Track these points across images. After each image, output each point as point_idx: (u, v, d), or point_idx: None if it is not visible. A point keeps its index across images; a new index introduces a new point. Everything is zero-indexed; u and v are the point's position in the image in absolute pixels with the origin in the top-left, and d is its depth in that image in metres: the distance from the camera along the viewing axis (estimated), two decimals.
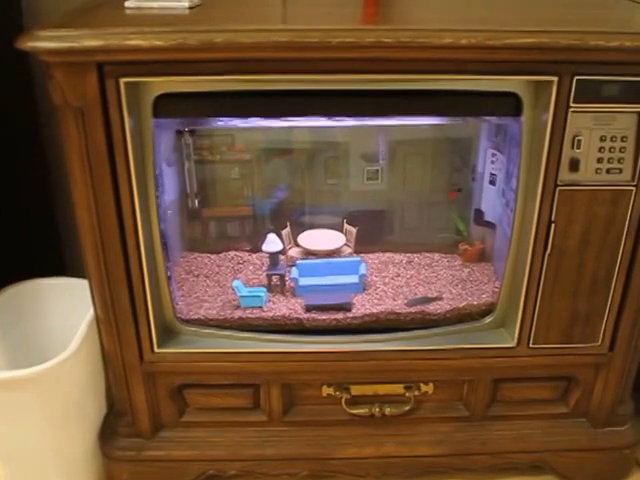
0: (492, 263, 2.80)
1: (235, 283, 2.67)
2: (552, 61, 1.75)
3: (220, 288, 2.77)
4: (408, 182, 2.93)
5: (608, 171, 1.91)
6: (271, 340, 2.29)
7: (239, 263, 2.97)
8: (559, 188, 1.96)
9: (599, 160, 1.91)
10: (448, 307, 2.42)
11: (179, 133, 2.67)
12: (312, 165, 2.90)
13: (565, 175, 1.94)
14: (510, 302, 2.21)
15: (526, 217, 2.06)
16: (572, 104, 1.84)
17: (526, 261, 2.08)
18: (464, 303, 2.44)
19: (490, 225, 2.77)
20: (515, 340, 2.24)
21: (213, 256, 2.96)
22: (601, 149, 1.89)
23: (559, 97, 1.82)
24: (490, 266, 2.80)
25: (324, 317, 2.40)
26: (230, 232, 3.03)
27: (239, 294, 2.64)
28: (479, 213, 2.83)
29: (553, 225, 2.00)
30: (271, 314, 2.43)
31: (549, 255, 2.05)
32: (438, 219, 2.97)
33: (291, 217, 2.95)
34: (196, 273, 2.88)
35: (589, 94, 1.82)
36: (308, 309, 2.42)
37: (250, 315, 2.43)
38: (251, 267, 2.91)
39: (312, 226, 2.95)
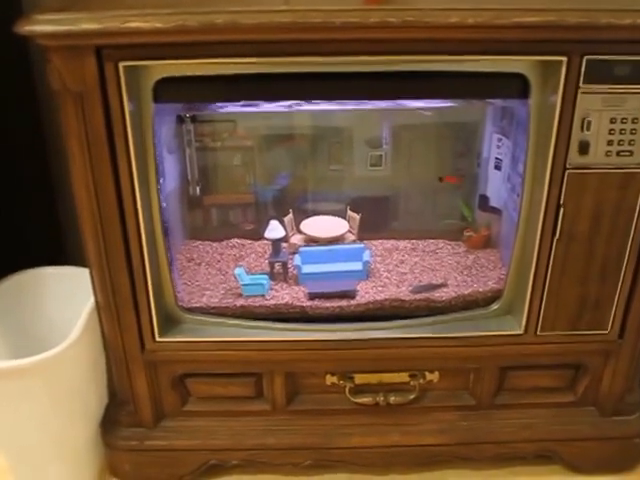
0: (498, 249, 2.76)
1: (237, 271, 2.63)
2: (561, 40, 1.70)
3: (222, 276, 2.73)
4: (412, 168, 2.89)
5: (618, 154, 1.87)
6: (274, 328, 2.25)
7: (241, 251, 2.93)
8: (568, 171, 1.92)
9: (609, 142, 1.86)
10: (453, 294, 2.39)
11: (180, 119, 2.62)
12: (315, 151, 2.86)
13: (574, 158, 1.90)
14: (517, 289, 2.17)
15: (534, 202, 2.01)
16: (582, 85, 1.79)
17: (534, 247, 2.04)
18: (470, 290, 2.41)
19: (496, 211, 2.73)
20: (522, 327, 2.20)
21: (215, 244, 2.92)
22: (611, 131, 1.84)
23: (568, 78, 1.77)
24: (496, 252, 2.76)
25: (327, 305, 2.36)
26: (232, 219, 3.00)
27: (241, 282, 2.60)
28: (484, 199, 2.79)
29: (562, 209, 1.96)
30: (274, 302, 2.39)
31: (557, 240, 2.01)
32: (443, 205, 2.92)
33: (294, 204, 2.90)
34: (198, 261, 2.84)
35: (599, 74, 1.77)
36: (311, 297, 2.39)
37: (252, 303, 2.39)
38: (253, 255, 2.87)
39: (315, 213, 2.91)
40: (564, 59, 1.74)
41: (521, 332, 2.21)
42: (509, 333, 2.23)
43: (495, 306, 2.27)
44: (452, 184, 2.92)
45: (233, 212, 3.00)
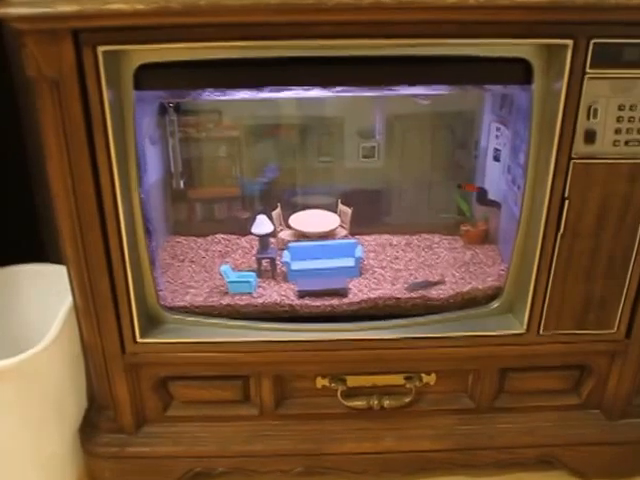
0: (496, 245, 2.72)
1: (223, 268, 2.56)
2: (567, 22, 1.65)
3: (207, 273, 2.67)
4: (406, 159, 2.83)
5: (627, 143, 1.81)
6: (261, 328, 2.20)
7: (227, 247, 2.87)
8: (573, 162, 1.86)
9: (617, 131, 1.80)
10: (451, 292, 2.34)
11: (163, 108, 2.56)
12: (304, 142, 2.80)
13: (580, 148, 1.84)
14: (519, 286, 2.13)
15: (537, 195, 1.96)
16: (588, 70, 1.73)
17: (537, 242, 1.99)
18: (468, 287, 2.36)
19: (494, 204, 2.67)
20: (524, 326, 2.15)
21: (200, 239, 2.87)
22: (619, 119, 1.78)
23: (574, 62, 1.71)
24: (494, 248, 2.72)
25: (318, 303, 2.31)
26: (217, 214, 2.94)
27: (227, 279, 2.54)
28: (482, 191, 2.73)
29: (567, 202, 1.90)
30: (261, 300, 2.34)
31: (562, 235, 1.96)
32: (438, 198, 2.88)
33: (282, 197, 2.86)
34: (181, 258, 2.78)
35: (607, 59, 1.70)
36: (301, 295, 2.35)
37: (239, 302, 2.34)
38: (240, 251, 2.82)
39: (304, 207, 2.86)
40: (570, 42, 1.68)
41: (523, 331, 2.16)
42: (510, 333, 2.18)
43: (495, 304, 2.22)
44: (448, 176, 2.87)
45: (218, 206, 2.94)
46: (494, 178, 2.62)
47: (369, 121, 2.74)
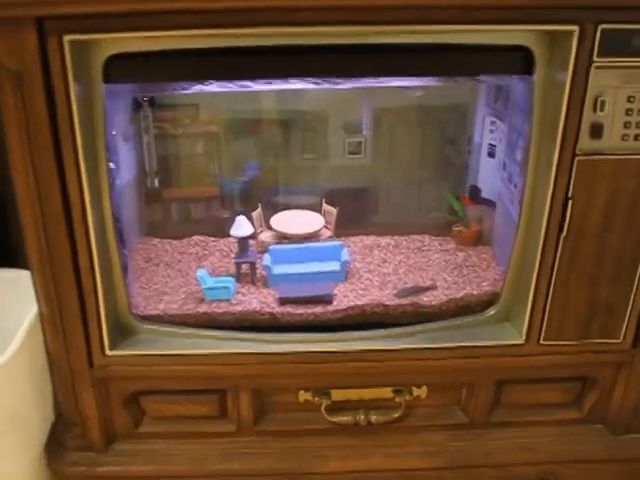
0: (491, 246, 2.64)
1: (199, 273, 2.45)
2: (572, 7, 1.57)
3: (183, 278, 2.56)
4: (395, 156, 2.74)
5: (637, 137, 1.72)
6: (240, 339, 2.13)
7: (204, 249, 2.76)
8: (578, 158, 1.77)
9: (626, 125, 1.71)
10: (443, 298, 2.27)
11: (136, 103, 2.46)
12: (287, 138, 2.72)
13: (585, 143, 1.75)
14: (517, 291, 2.05)
15: (537, 193, 1.88)
16: (596, 58, 1.64)
17: (537, 244, 1.91)
18: (462, 293, 2.29)
19: (489, 203, 2.59)
20: (523, 336, 2.07)
21: (175, 242, 2.77)
22: (628, 111, 1.70)
23: (580, 50, 1.63)
24: (488, 249, 2.64)
25: (301, 311, 2.23)
26: (194, 215, 2.86)
27: (204, 285, 2.43)
28: (476, 190, 2.65)
29: (570, 202, 1.82)
30: (240, 308, 2.26)
31: (565, 237, 1.88)
32: (429, 197, 2.79)
33: (263, 197, 2.77)
34: (156, 261, 2.67)
35: (616, 46, 1.62)
36: (282, 302, 2.27)
37: (216, 309, 2.26)
38: (218, 254, 2.72)
39: (287, 207, 2.77)
40: (575, 29, 1.60)
41: (522, 341, 2.08)
42: (508, 343, 2.10)
43: (491, 312, 2.15)
44: (438, 174, 2.80)
45: (195, 206, 2.85)
46: (488, 175, 2.55)
47: (355, 115, 2.66)
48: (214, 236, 2.76)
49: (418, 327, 2.15)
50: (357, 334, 2.13)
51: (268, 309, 2.34)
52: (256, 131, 2.69)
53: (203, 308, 2.36)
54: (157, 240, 2.77)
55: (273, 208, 2.73)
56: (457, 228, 2.67)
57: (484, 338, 2.11)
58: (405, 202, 2.80)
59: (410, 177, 2.74)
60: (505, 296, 2.11)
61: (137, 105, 2.43)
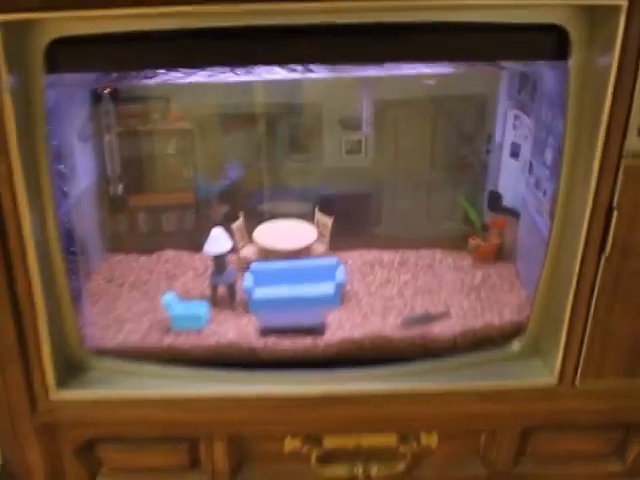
0: (513, 263, 2.48)
1: (166, 298, 2.26)
2: None
3: (149, 302, 2.40)
4: (401, 156, 2.61)
5: None
6: (214, 378, 2.01)
7: (176, 267, 2.61)
8: (625, 161, 1.63)
9: None
10: (458, 328, 2.16)
11: (95, 96, 2.32)
12: (273, 135, 2.58)
13: (634, 142, 1.60)
14: (547, 321, 1.94)
15: (573, 202, 1.76)
16: None
17: (573, 263, 1.78)
18: (480, 322, 2.21)
19: (511, 212, 2.45)
20: (555, 375, 1.94)
21: (143, 258, 2.62)
22: None
23: (629, 29, 1.48)
24: (511, 267, 2.48)
25: (287, 344, 2.11)
26: (166, 226, 2.71)
27: (171, 313, 2.25)
28: (496, 196, 2.52)
29: (615, 213, 1.68)
30: (214, 340, 2.17)
31: (607, 256, 1.74)
32: (440, 205, 2.67)
33: (245, 205, 2.64)
34: (119, 281, 2.51)
35: None
36: (264, 332, 2.18)
37: (185, 342, 2.18)
38: (192, 272, 2.56)
39: (273, 216, 2.63)
40: (623, 3, 1.45)
41: (553, 382, 1.94)
42: (537, 383, 1.96)
43: (516, 345, 2.02)
44: (452, 178, 2.64)
45: (167, 216, 2.70)
46: (511, 180, 2.42)
47: (354, 108, 2.54)
48: (189, 250, 2.62)
49: (428, 364, 2.03)
50: (354, 373, 2.01)
51: (247, 342, 2.18)
52: (237, 128, 2.56)
53: (169, 340, 2.20)
54: (122, 256, 2.62)
55: (257, 218, 2.60)
56: (474, 241, 2.52)
57: (508, 378, 1.98)
58: (413, 210, 2.68)
59: (419, 181, 2.61)
60: (533, 326, 1.98)
61: (96, 99, 2.31)
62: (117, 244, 2.57)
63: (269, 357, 2.14)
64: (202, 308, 2.25)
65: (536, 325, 1.98)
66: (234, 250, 2.43)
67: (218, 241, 2.32)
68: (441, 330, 2.17)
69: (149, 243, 2.59)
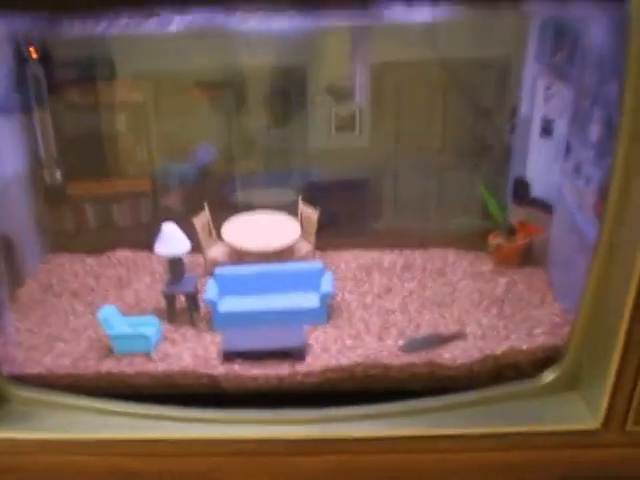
0: (544, 269, 2.28)
1: (103, 313, 2.01)
2: None
3: (91, 315, 2.17)
4: (404, 133, 2.41)
5: None
6: (163, 416, 1.82)
7: (130, 270, 2.39)
8: None
9: None
10: (475, 353, 1.98)
11: (20, 58, 2.10)
12: (247, 108, 2.38)
13: None
14: (592, 346, 1.78)
15: (632, 192, 1.57)
16: None
17: (631, 274, 1.61)
18: (504, 345, 1.98)
19: (542, 205, 2.26)
20: (600, 417, 1.77)
21: (91, 259, 2.41)
22: None
23: None
24: (541, 274, 2.27)
25: (256, 373, 1.93)
26: (117, 220, 2.51)
27: (110, 332, 2.00)
28: (522, 185, 2.32)
29: None
30: (164, 367, 1.95)
31: None
32: (453, 195, 2.50)
33: (213, 194, 2.44)
34: (58, 289, 2.29)
35: None
36: (229, 356, 1.96)
37: (128, 369, 1.95)
38: (148, 278, 2.34)
39: (246, 208, 2.41)
40: None
41: (597, 426, 1.77)
42: (575, 427, 1.78)
43: (549, 377, 1.85)
44: (468, 161, 2.42)
45: (119, 208, 2.50)
46: (542, 164, 2.23)
47: (346, 73, 2.35)
48: (147, 250, 2.39)
49: (436, 400, 1.86)
50: (343, 411, 1.84)
51: (206, 369, 1.94)
52: (201, 99, 2.35)
53: (109, 365, 1.96)
54: (66, 257, 2.43)
55: (227, 209, 2.41)
56: (495, 241, 2.34)
57: (537, 419, 1.81)
58: (419, 202, 2.50)
59: (427, 166, 2.42)
60: (572, 353, 1.82)
61: (21, 61, 2.11)
62: (59, 243, 2.41)
63: (234, 389, 1.96)
64: (151, 326, 2.02)
65: (576, 351, 1.83)
66: (201, 250, 2.29)
67: (171, 240, 2.09)
68: (453, 356, 2.00)
69: (98, 241, 2.44)
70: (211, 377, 1.98)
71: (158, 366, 2.01)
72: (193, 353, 2.04)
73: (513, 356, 2.03)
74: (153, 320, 2.07)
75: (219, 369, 1.99)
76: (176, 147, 2.42)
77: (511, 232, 2.27)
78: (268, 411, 1.90)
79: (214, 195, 2.40)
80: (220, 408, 1.90)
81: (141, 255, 2.44)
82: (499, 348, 2.05)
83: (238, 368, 1.99)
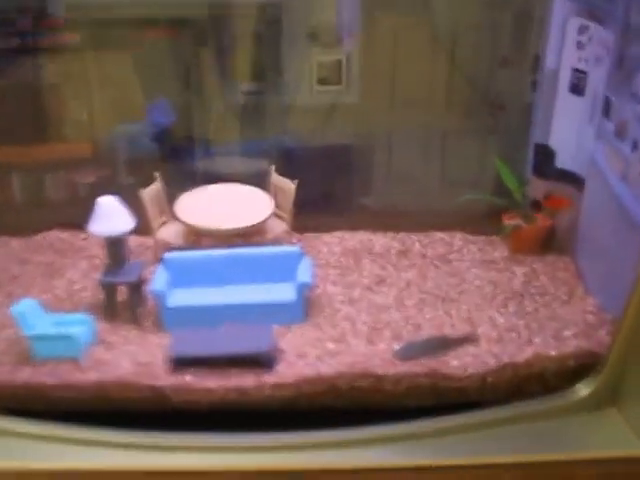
0: (571, 256, 2.13)
1: (20, 307, 1.83)
2: None
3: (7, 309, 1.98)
4: (401, 89, 2.26)
5: None
6: (94, 440, 1.64)
7: (64, 254, 2.22)
8: None
9: None
10: (491, 361, 1.82)
11: None
12: (209, 54, 2.19)
13: None
14: (638, 352, 1.65)
15: None
16: None
17: None
18: (527, 352, 1.84)
19: (570, 178, 2.11)
20: None
21: (16, 242, 2.27)
22: None
23: None
24: (568, 263, 2.11)
25: (213, 385, 1.76)
26: (51, 193, 2.36)
27: (28, 332, 1.83)
28: (545, 153, 2.14)
29: None
30: (96, 377, 1.77)
31: None
32: (461, 166, 2.34)
33: (165, 161, 2.28)
34: None
35: None
36: (178, 364, 1.79)
37: (49, 379, 1.78)
38: (85, 263, 2.16)
39: (207, 179, 2.25)
40: None
41: None
42: (617, 454, 1.64)
43: (583, 390, 1.71)
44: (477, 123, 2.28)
45: (52, 179, 2.34)
46: (570, 127, 2.05)
47: (330, 12, 2.11)
48: (84, 230, 2.17)
49: (442, 422, 1.70)
50: (323, 436, 1.67)
51: (151, 380, 1.77)
52: (152, 43, 2.15)
53: (27, 374, 1.79)
54: None
55: (183, 181, 2.26)
56: (511, 222, 2.17)
57: (569, 442, 1.67)
58: (419, 173, 2.33)
59: (428, 129, 2.27)
60: (614, 362, 1.69)
61: None
62: None
63: (184, 405, 1.77)
64: (81, 325, 1.83)
65: (618, 359, 1.69)
66: (149, 230, 2.12)
67: (109, 216, 1.89)
68: (463, 364, 1.83)
69: (27, 219, 2.31)
70: (156, 390, 1.79)
71: (88, 376, 1.82)
72: (134, 360, 1.86)
73: (538, 365, 1.87)
74: (84, 318, 1.88)
75: (166, 380, 1.81)
76: (123, 104, 2.23)
77: (535, 207, 2.13)
78: (227, 435, 1.71)
79: (169, 164, 2.25)
80: (167, 430, 1.71)
81: (78, 237, 2.28)
82: (520, 355, 1.88)
83: (190, 379, 1.81)
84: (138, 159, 2.27)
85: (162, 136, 2.28)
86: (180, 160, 2.28)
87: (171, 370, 1.80)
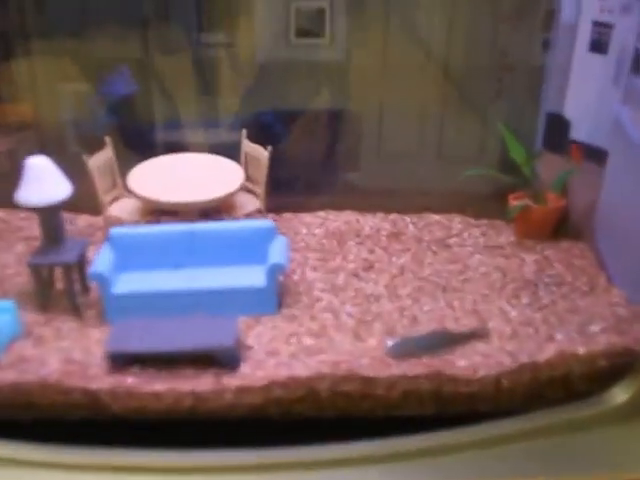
0: (588, 242, 1.92)
1: None
2: None
3: None
4: (393, 44, 2.02)
5: None
6: (10, 460, 1.35)
7: (1, 235, 2.03)
8: None
9: None
10: (506, 361, 1.58)
11: None
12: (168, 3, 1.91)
13: None
14: None
15: None
16: None
17: None
18: (549, 350, 1.59)
19: (590, 151, 1.87)
20: None
21: None
22: None
23: None
24: (584, 249, 1.90)
25: (161, 388, 1.48)
26: None
27: None
28: (558, 123, 1.91)
29: None
30: (14, 377, 1.51)
31: None
32: (462, 137, 2.13)
33: (117, 126, 2.02)
34: None
35: None
36: (117, 362, 1.51)
37: None
38: (21, 246, 1.93)
39: (168, 147, 2.03)
40: None
41: None
42: None
43: (619, 396, 1.48)
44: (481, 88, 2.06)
45: None
46: (589, 92, 1.82)
47: None
48: (23, 209, 1.98)
49: (447, 436, 1.47)
50: (297, 453, 1.43)
51: (82, 382, 1.49)
52: None
53: None
54: None
55: (139, 147, 2.02)
56: (519, 202, 1.95)
57: (602, 460, 1.46)
58: (414, 145, 2.10)
59: (423, 92, 2.04)
60: None
61: None
62: None
63: (127, 414, 1.48)
64: (2, 314, 1.55)
65: None
66: (98, 210, 1.87)
67: (40, 182, 1.59)
68: (471, 364, 1.60)
69: None
70: (89, 394, 1.49)
71: (4, 375, 1.54)
72: (65, 357, 1.57)
73: (563, 365, 1.62)
74: (8, 306, 1.58)
75: (102, 382, 1.51)
76: (67, 59, 1.93)
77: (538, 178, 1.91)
78: (178, 453, 1.45)
79: (121, 130, 1.95)
80: (103, 446, 1.44)
81: (17, 215, 2.04)
82: (540, 353, 1.62)
83: (133, 381, 1.52)
84: (84, 124, 2.00)
85: (121, 107, 2.02)
86: (126, 124, 2.01)
87: (109, 370, 1.52)
